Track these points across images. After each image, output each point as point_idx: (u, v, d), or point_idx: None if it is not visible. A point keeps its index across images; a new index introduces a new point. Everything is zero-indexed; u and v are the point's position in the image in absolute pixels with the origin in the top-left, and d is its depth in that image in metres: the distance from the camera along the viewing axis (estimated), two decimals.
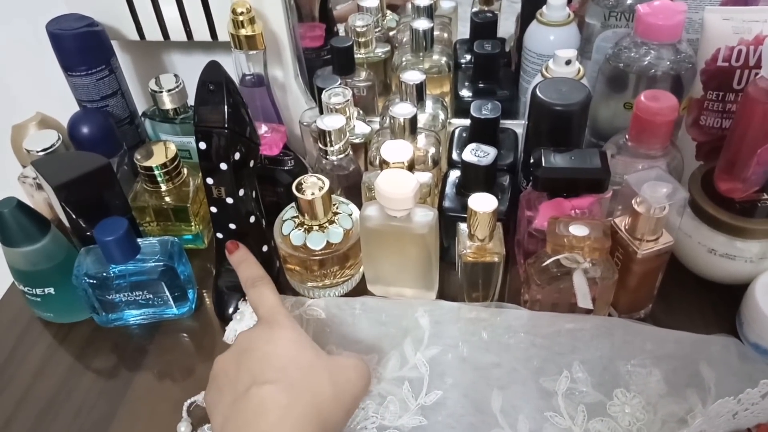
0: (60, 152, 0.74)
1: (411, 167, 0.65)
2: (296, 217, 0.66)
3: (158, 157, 0.72)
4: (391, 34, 0.87)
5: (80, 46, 0.76)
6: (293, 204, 0.66)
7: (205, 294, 0.72)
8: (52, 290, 0.66)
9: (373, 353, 0.62)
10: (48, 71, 0.81)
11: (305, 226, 0.65)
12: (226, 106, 0.58)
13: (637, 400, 0.57)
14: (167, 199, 0.74)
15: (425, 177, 0.69)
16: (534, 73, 0.75)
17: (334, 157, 0.70)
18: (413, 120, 0.70)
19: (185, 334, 0.69)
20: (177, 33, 0.81)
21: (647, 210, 0.57)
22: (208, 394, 0.52)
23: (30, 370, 0.66)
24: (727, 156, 0.63)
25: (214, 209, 0.64)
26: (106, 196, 0.68)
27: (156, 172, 0.72)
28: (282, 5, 0.74)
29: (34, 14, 0.78)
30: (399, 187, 0.60)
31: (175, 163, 0.73)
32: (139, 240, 0.65)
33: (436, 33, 0.81)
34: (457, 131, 0.77)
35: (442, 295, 0.69)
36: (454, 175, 0.70)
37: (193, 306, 0.70)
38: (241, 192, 0.63)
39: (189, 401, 0.61)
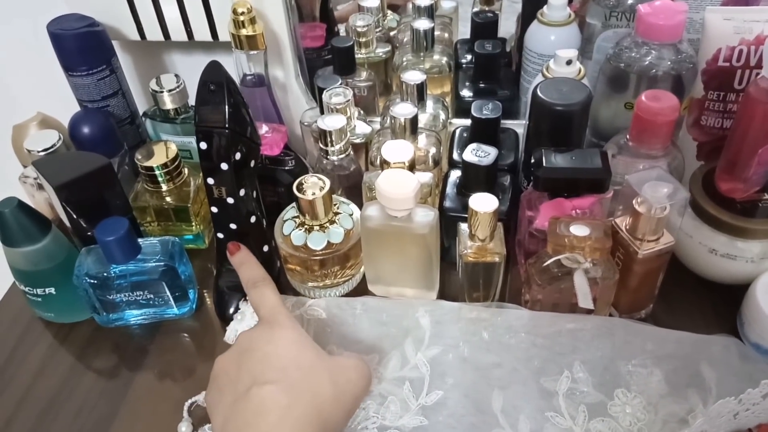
0: (61, 152, 0.74)
1: (412, 167, 0.65)
2: (297, 217, 0.66)
3: (159, 157, 0.72)
4: (391, 34, 0.87)
5: (81, 46, 0.76)
6: (294, 204, 0.66)
7: (205, 294, 0.72)
8: (52, 290, 0.66)
9: (373, 353, 0.62)
10: (49, 71, 0.81)
11: (306, 226, 0.65)
12: (227, 106, 0.58)
13: (638, 400, 0.57)
14: (168, 199, 0.74)
15: (426, 177, 0.69)
16: (535, 73, 0.75)
17: (334, 157, 0.70)
18: (414, 120, 0.70)
19: (186, 334, 0.69)
20: (178, 33, 0.81)
21: (648, 210, 0.57)
22: (208, 394, 0.52)
23: (31, 370, 0.66)
24: (727, 156, 0.63)
25: (214, 209, 0.64)
26: (106, 196, 0.68)
27: (157, 172, 0.72)
28: (283, 5, 0.74)
29: (35, 14, 0.78)
30: (400, 187, 0.60)
31: (176, 163, 0.73)
32: (139, 240, 0.65)
33: (436, 33, 0.81)
34: (457, 131, 0.77)
35: (442, 295, 0.69)
36: (455, 175, 0.70)
37: (194, 306, 0.70)
38: (242, 192, 0.62)
39: (190, 401, 0.61)
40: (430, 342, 0.62)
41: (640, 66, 0.66)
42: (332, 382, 0.49)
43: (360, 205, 0.68)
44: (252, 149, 0.62)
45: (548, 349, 0.61)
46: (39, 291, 0.66)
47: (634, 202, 0.58)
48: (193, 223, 0.75)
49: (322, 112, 0.74)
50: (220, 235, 0.66)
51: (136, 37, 0.81)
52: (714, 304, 0.66)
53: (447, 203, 0.68)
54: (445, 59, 0.81)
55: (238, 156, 0.60)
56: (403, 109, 0.69)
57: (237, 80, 0.70)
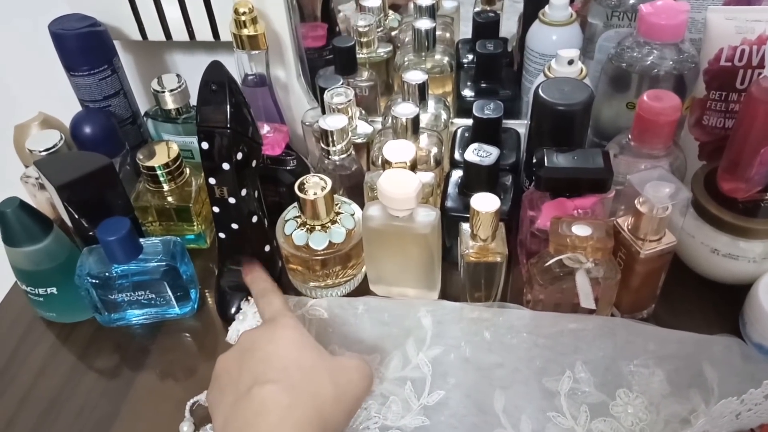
0: (62, 152, 0.74)
1: (413, 167, 0.65)
2: (298, 216, 0.66)
3: (160, 157, 0.72)
4: (393, 33, 0.87)
5: (83, 46, 0.76)
6: (295, 204, 0.66)
7: (207, 294, 0.72)
8: (54, 290, 0.66)
9: (375, 353, 0.62)
10: (50, 71, 0.81)
11: (307, 226, 0.65)
12: (228, 106, 0.58)
13: (640, 401, 0.57)
14: (169, 199, 0.74)
15: (427, 177, 0.69)
16: (536, 73, 0.75)
17: (336, 157, 0.70)
18: (415, 120, 0.70)
19: (187, 334, 0.69)
20: (179, 33, 0.81)
21: (650, 210, 0.57)
22: (210, 394, 0.52)
23: (32, 370, 0.66)
24: (729, 156, 0.63)
25: (216, 209, 0.64)
26: (108, 196, 0.68)
27: (158, 172, 0.72)
28: (284, 5, 0.74)
29: (37, 14, 0.78)
30: (401, 187, 0.60)
31: (178, 163, 0.73)
32: (141, 240, 0.65)
33: (438, 33, 0.81)
34: (459, 131, 0.77)
35: (444, 295, 0.69)
36: (457, 174, 0.70)
37: (196, 306, 0.70)
38: (244, 192, 0.62)
39: (192, 401, 0.61)
40: (432, 342, 0.62)
41: (641, 66, 0.66)
42: (333, 382, 0.49)
43: (361, 205, 0.68)
44: (253, 149, 0.62)
45: (550, 349, 0.61)
46: (41, 291, 0.66)
47: (636, 202, 0.58)
48: (195, 223, 0.75)
49: (323, 112, 0.74)
50: (222, 235, 0.66)
51: (138, 37, 0.82)
52: (716, 304, 0.66)
53: (449, 203, 0.68)
54: (446, 59, 0.81)
55: (239, 156, 0.60)
56: (405, 109, 0.69)
57: (238, 80, 0.70)
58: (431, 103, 0.76)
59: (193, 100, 0.76)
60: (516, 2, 0.82)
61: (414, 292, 0.68)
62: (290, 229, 0.66)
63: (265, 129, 0.72)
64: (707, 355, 0.59)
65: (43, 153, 0.73)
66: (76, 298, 0.66)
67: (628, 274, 0.61)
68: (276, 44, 0.77)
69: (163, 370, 0.65)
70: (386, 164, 0.65)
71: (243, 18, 0.71)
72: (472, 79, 0.83)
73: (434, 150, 0.72)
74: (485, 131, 0.71)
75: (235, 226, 0.64)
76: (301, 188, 0.64)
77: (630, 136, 0.64)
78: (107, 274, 0.64)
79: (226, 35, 0.79)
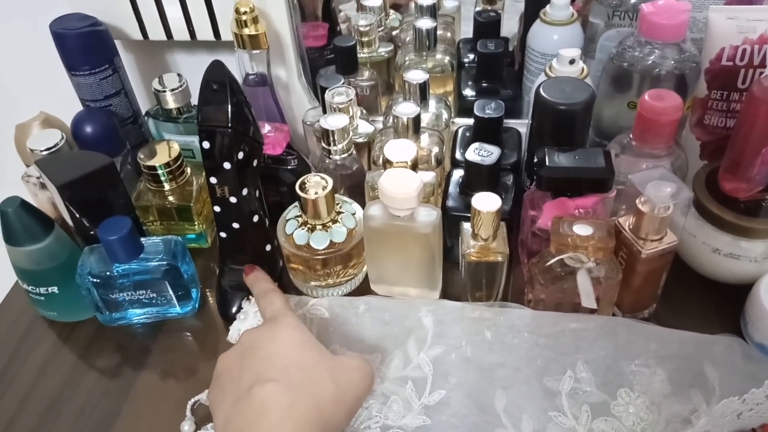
0: (63, 151, 0.74)
1: (414, 166, 0.65)
2: (299, 216, 0.66)
3: (161, 156, 0.72)
4: (394, 33, 0.87)
5: (84, 46, 0.76)
6: (296, 203, 0.66)
7: (208, 293, 0.72)
8: (55, 289, 0.66)
9: (376, 353, 0.62)
10: (51, 70, 0.81)
11: (308, 226, 0.65)
12: (229, 106, 0.58)
13: (641, 400, 0.57)
14: (170, 198, 0.74)
15: (428, 176, 0.69)
16: (537, 73, 0.74)
17: (337, 157, 0.70)
18: (416, 119, 0.69)
19: (188, 333, 0.69)
20: (180, 32, 0.81)
21: (651, 209, 0.57)
22: (211, 393, 0.52)
23: (33, 369, 0.66)
24: (731, 155, 0.63)
25: (217, 208, 0.64)
26: (109, 195, 0.68)
27: (159, 172, 0.72)
28: (285, 4, 0.74)
29: (37, 14, 0.78)
30: (402, 186, 0.59)
31: (179, 162, 0.73)
32: (142, 239, 0.65)
33: (439, 32, 0.81)
34: (460, 130, 0.77)
35: (445, 294, 0.69)
36: (458, 174, 0.70)
37: (197, 305, 0.70)
38: (245, 191, 0.62)
39: (193, 400, 0.61)
40: (433, 341, 0.62)
41: (643, 65, 0.66)
42: (334, 382, 0.49)
43: (362, 205, 0.68)
44: (255, 148, 0.62)
45: (551, 348, 0.61)
46: (42, 290, 0.66)
47: (637, 201, 0.58)
48: (196, 223, 0.75)
49: (324, 112, 0.74)
50: (223, 235, 0.66)
51: (139, 36, 0.82)
52: (717, 304, 0.66)
53: (450, 202, 0.68)
54: (447, 58, 0.81)
55: (240, 155, 0.60)
56: (406, 109, 0.69)
57: (239, 79, 0.70)
58: (432, 103, 0.76)
59: (194, 100, 0.76)
60: (517, 2, 0.82)
61: (415, 292, 0.68)
62: (291, 228, 0.66)
63: (266, 128, 0.72)
64: (708, 354, 0.59)
65: (45, 152, 0.73)
66: (77, 297, 0.66)
67: (629, 274, 0.61)
68: (277, 44, 0.77)
69: (164, 369, 0.65)
70: (387, 164, 0.65)
71: (244, 17, 0.71)
72: (473, 78, 0.83)
73: (435, 149, 0.72)
74: (486, 131, 0.71)
75: (236, 225, 0.64)
76: (302, 188, 0.64)
77: (631, 136, 0.64)
78: (108, 273, 0.64)
79: (227, 35, 0.79)
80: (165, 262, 0.64)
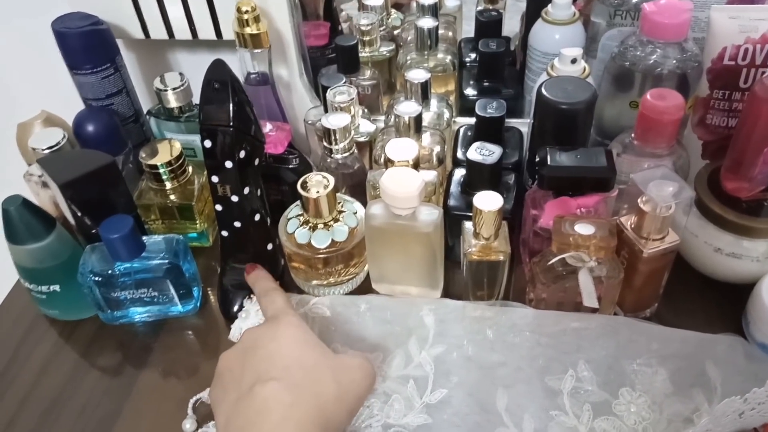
0: (65, 150, 0.74)
1: (416, 166, 0.65)
2: (301, 215, 0.66)
3: (163, 155, 0.72)
4: (395, 32, 0.87)
5: (85, 45, 0.76)
6: (298, 202, 0.66)
7: (210, 292, 0.72)
8: (57, 287, 0.66)
9: (377, 351, 0.62)
10: (53, 69, 0.81)
11: (310, 225, 0.65)
12: (231, 105, 0.58)
13: (643, 399, 0.57)
14: (172, 197, 0.74)
15: (430, 175, 0.69)
16: (539, 72, 0.75)
17: (338, 156, 0.70)
18: (418, 118, 0.69)
19: (190, 332, 0.69)
20: (182, 31, 0.81)
21: (653, 209, 0.57)
22: (212, 391, 0.52)
23: (35, 368, 0.66)
24: (733, 155, 0.63)
25: (219, 207, 0.64)
26: (111, 194, 0.68)
27: (161, 170, 0.72)
28: (287, 4, 0.74)
29: (39, 12, 0.78)
30: (404, 185, 0.59)
31: (180, 161, 0.73)
32: (144, 238, 0.65)
33: (440, 31, 0.81)
34: (462, 130, 0.77)
35: (447, 293, 0.69)
36: (459, 173, 0.70)
37: (198, 304, 0.70)
38: (246, 190, 0.63)
39: (194, 398, 0.61)
40: (435, 340, 0.62)
41: (645, 65, 0.66)
42: (336, 381, 0.49)
43: (364, 204, 0.68)
44: (256, 147, 0.62)
45: (553, 347, 0.61)
46: (43, 288, 0.66)
47: (639, 200, 0.58)
48: (197, 221, 0.75)
49: (326, 111, 0.74)
50: (225, 233, 0.66)
51: (141, 35, 0.82)
52: (719, 304, 0.65)
53: (451, 202, 0.68)
54: (449, 58, 0.81)
55: (242, 154, 0.60)
56: (408, 108, 0.69)
57: (241, 78, 0.70)
58: (434, 102, 0.76)
59: (196, 99, 0.77)
60: (519, 1, 0.82)
61: (416, 291, 0.68)
62: (293, 227, 0.66)
63: (267, 127, 0.72)
64: (710, 354, 0.59)
65: (46, 151, 0.73)
66: (78, 295, 0.66)
67: (631, 273, 0.61)
68: (278, 43, 0.77)
69: (166, 368, 0.65)
70: (389, 163, 0.65)
71: (246, 16, 0.71)
72: (474, 77, 0.83)
73: (437, 149, 0.72)
74: (488, 130, 0.71)
75: (237, 224, 0.64)
76: (304, 186, 0.64)
77: (633, 135, 0.64)
78: (110, 271, 0.64)
79: (228, 34, 0.79)
80: (166, 261, 0.65)
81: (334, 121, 0.68)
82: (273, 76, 0.77)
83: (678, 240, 0.59)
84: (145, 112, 0.85)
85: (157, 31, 0.81)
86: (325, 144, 0.69)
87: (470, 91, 0.83)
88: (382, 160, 0.67)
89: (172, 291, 0.66)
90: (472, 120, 0.73)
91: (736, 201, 0.62)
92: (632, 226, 0.60)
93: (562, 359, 0.60)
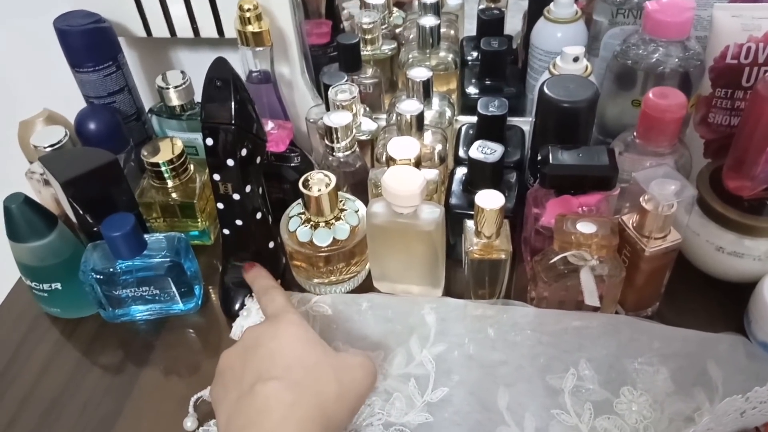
0: (67, 148, 0.74)
1: (418, 164, 0.65)
2: (302, 213, 0.66)
3: (165, 153, 0.72)
4: (397, 31, 0.87)
5: (87, 43, 0.76)
6: (300, 200, 0.66)
7: (211, 290, 0.72)
8: (58, 285, 0.66)
9: (379, 350, 0.62)
10: (55, 67, 0.81)
11: (312, 223, 0.65)
12: (233, 103, 0.58)
13: (644, 398, 0.57)
14: (174, 195, 0.74)
15: (432, 174, 0.69)
16: (541, 70, 0.74)
17: (340, 154, 0.70)
18: (420, 117, 0.69)
19: (191, 330, 0.69)
20: (184, 29, 0.81)
21: (655, 207, 0.57)
22: (213, 390, 0.52)
23: (36, 366, 0.66)
24: (735, 154, 0.63)
25: (220, 205, 0.64)
26: (113, 192, 0.68)
27: (163, 169, 0.72)
28: (289, 2, 0.74)
29: (41, 10, 0.78)
30: (405, 183, 0.59)
31: (182, 159, 0.73)
32: (145, 236, 0.65)
33: (442, 30, 0.81)
34: (463, 128, 0.77)
35: (448, 292, 0.69)
36: (461, 172, 0.70)
37: (200, 302, 0.70)
38: (248, 188, 0.62)
39: (196, 396, 0.61)
40: (436, 339, 0.62)
41: (647, 63, 0.66)
42: (337, 380, 0.49)
43: (366, 202, 0.68)
44: (258, 146, 0.62)
45: (554, 346, 0.61)
46: (45, 286, 0.66)
47: (641, 199, 0.58)
48: (199, 220, 0.75)
49: (327, 109, 0.74)
50: (226, 232, 0.66)
51: (143, 33, 0.82)
52: (720, 303, 0.65)
53: (453, 200, 0.68)
54: (451, 56, 0.81)
55: (244, 152, 0.60)
56: (409, 106, 0.69)
57: (243, 77, 0.70)
58: (436, 100, 0.76)
59: (198, 97, 0.77)
60: None
61: (418, 289, 0.68)
62: (294, 225, 0.66)
63: (269, 126, 0.72)
64: (712, 353, 0.59)
65: (48, 149, 0.73)
66: (80, 293, 0.66)
67: (632, 272, 0.61)
68: (280, 41, 0.77)
69: (167, 366, 0.65)
70: (390, 161, 0.65)
71: (247, 15, 0.71)
72: (476, 76, 0.83)
73: (438, 147, 0.72)
74: (490, 128, 0.71)
75: (239, 222, 0.64)
76: (306, 185, 0.64)
77: (635, 134, 0.64)
78: (111, 269, 0.64)
79: (230, 32, 0.79)
80: (168, 259, 0.65)
81: (336, 119, 0.68)
82: (275, 75, 0.77)
83: (680, 239, 0.59)
84: (146, 110, 0.85)
85: (159, 29, 0.81)
86: (326, 142, 0.69)
87: (472, 90, 0.83)
88: (384, 158, 0.67)
89: (174, 289, 0.66)
90: (474, 118, 0.73)
91: (738, 200, 0.62)
92: (634, 224, 0.60)
93: (563, 358, 0.60)
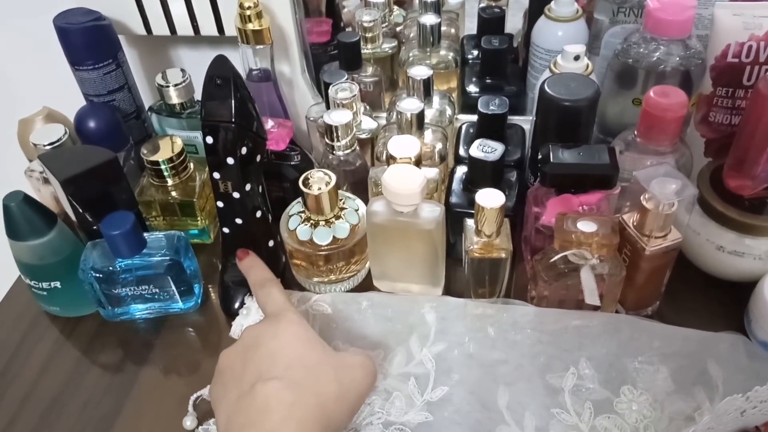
0: (67, 146, 0.74)
1: (418, 163, 0.65)
2: (302, 212, 0.66)
3: (165, 151, 0.72)
4: (398, 29, 0.86)
5: (87, 41, 0.76)
6: (300, 199, 0.66)
7: (211, 289, 0.72)
8: (58, 284, 0.66)
9: (379, 349, 0.62)
10: (55, 65, 0.81)
11: (311, 221, 0.65)
12: (233, 101, 0.58)
13: (645, 398, 0.57)
14: (174, 193, 0.74)
15: (432, 172, 0.69)
16: (542, 69, 0.74)
17: (340, 153, 0.70)
18: (420, 115, 0.69)
19: (191, 329, 0.69)
20: (184, 27, 0.80)
21: (656, 206, 0.57)
22: (213, 389, 0.52)
23: (36, 365, 0.66)
24: (736, 153, 0.62)
25: (220, 204, 0.64)
26: (112, 190, 0.68)
27: (162, 167, 0.72)
28: (289, 0, 0.74)
29: (41, 8, 0.78)
30: (406, 182, 0.59)
31: (182, 157, 0.73)
32: (145, 234, 0.65)
33: (443, 28, 0.80)
34: (464, 127, 0.77)
35: (448, 291, 0.69)
36: (461, 170, 0.70)
37: (199, 301, 0.70)
38: (248, 187, 0.62)
39: (195, 395, 0.61)
40: (436, 338, 0.62)
41: (648, 62, 0.66)
42: (337, 380, 0.49)
43: (366, 201, 0.68)
44: (258, 144, 0.62)
45: (554, 345, 0.61)
46: (44, 285, 0.66)
47: (641, 198, 0.58)
48: (199, 218, 0.75)
49: (328, 108, 0.74)
50: (226, 230, 0.66)
51: (143, 31, 0.81)
52: (721, 302, 0.65)
53: (453, 199, 0.68)
54: (451, 55, 0.81)
55: (244, 151, 0.60)
56: (410, 105, 0.69)
57: (243, 75, 0.70)
58: (436, 99, 0.76)
59: (198, 95, 0.76)
60: None
61: (418, 288, 0.68)
62: (294, 224, 0.66)
63: (269, 124, 0.72)
64: (712, 352, 0.59)
65: (48, 147, 0.73)
66: (79, 292, 0.66)
67: (633, 271, 0.60)
68: (281, 39, 0.77)
69: (167, 365, 0.65)
70: (391, 160, 0.65)
71: (248, 13, 0.70)
72: (477, 74, 0.83)
73: (439, 146, 0.72)
74: (490, 127, 0.71)
75: (239, 221, 0.64)
76: (306, 183, 0.63)
77: (636, 133, 0.64)
78: (111, 268, 0.64)
79: (230, 30, 0.79)
80: (168, 258, 0.64)
81: (336, 117, 0.68)
82: (275, 73, 0.76)
83: (680, 238, 0.59)
84: (146, 108, 0.85)
85: (159, 27, 0.81)
86: (326, 141, 0.69)
87: (472, 88, 0.83)
88: (384, 157, 0.67)
89: (173, 288, 0.66)
90: (475, 117, 0.73)
91: (739, 199, 0.62)
92: (634, 223, 0.60)
93: (563, 357, 0.60)
